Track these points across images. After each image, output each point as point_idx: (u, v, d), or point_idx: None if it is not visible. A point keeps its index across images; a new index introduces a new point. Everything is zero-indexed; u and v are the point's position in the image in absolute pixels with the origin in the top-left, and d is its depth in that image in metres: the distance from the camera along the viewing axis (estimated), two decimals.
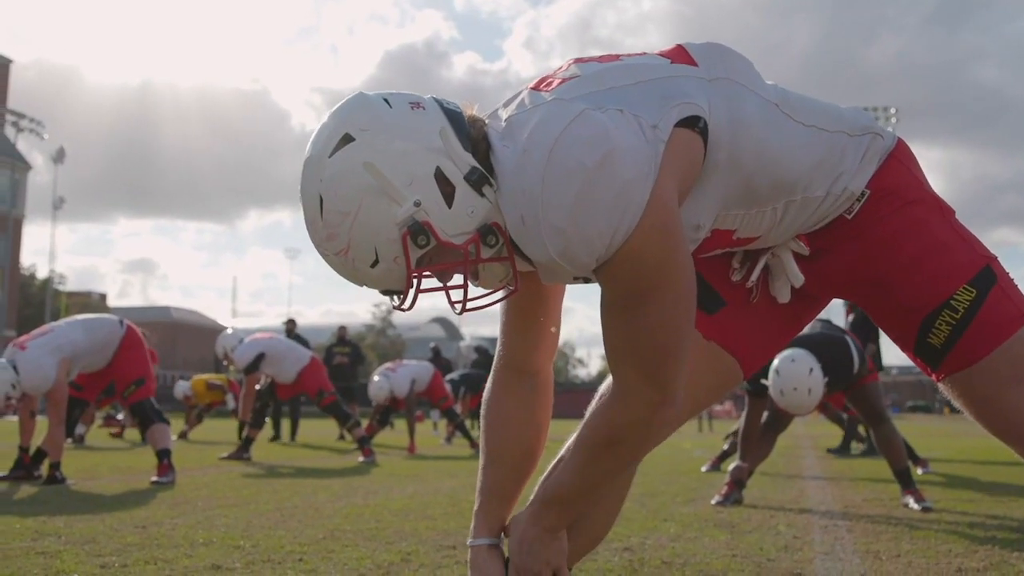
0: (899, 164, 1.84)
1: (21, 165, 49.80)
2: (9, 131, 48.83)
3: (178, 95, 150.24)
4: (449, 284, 1.61)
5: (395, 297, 1.62)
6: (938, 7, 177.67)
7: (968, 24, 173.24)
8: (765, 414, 5.57)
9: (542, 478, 1.89)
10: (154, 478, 5.87)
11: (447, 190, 1.53)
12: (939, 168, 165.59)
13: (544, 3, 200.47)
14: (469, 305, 1.63)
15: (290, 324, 13.03)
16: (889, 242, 1.80)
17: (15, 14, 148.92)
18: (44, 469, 5.95)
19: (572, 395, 25.29)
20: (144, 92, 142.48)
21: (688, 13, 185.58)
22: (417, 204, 1.51)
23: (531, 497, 1.88)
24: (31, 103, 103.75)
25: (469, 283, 1.60)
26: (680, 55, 1.75)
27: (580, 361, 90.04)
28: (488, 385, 1.95)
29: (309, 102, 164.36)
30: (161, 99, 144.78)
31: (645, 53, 1.78)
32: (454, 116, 1.59)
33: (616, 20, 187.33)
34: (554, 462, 1.90)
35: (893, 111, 49.68)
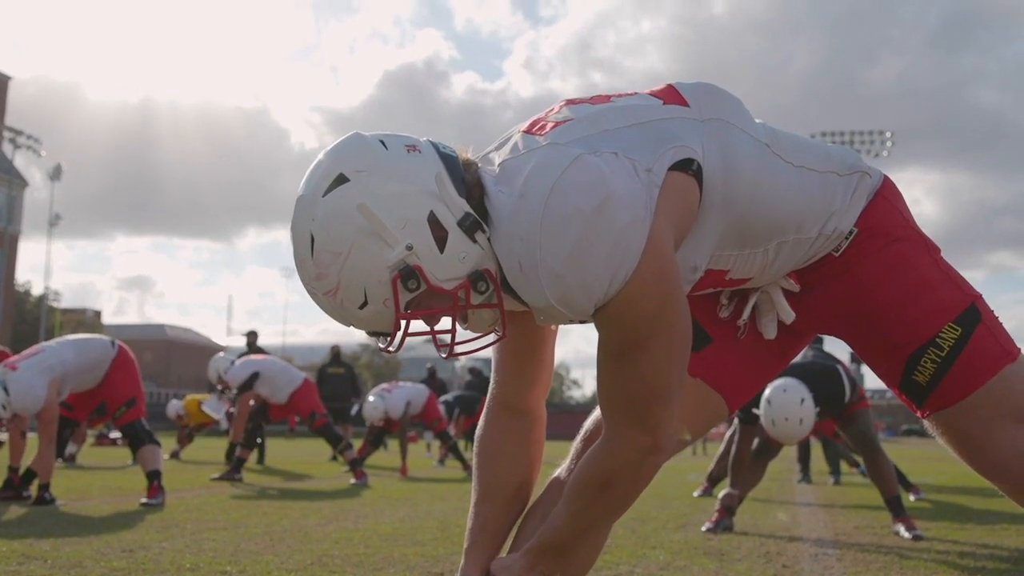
0: (886, 202, 1.86)
1: (18, 182, 49.82)
2: (6, 148, 48.86)
3: (177, 113, 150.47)
4: (437, 328, 1.61)
5: (382, 339, 1.62)
6: (940, 29, 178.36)
7: (969, 47, 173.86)
8: (756, 441, 5.58)
9: (525, 513, 1.89)
10: (144, 500, 5.84)
11: (440, 235, 1.53)
12: (937, 191, 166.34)
13: (544, 23, 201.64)
14: (456, 349, 1.64)
15: (251, 336, 12.95)
16: (876, 279, 1.81)
17: (16, 30, 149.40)
18: (33, 490, 5.92)
19: (567, 416, 25.19)
20: (143, 109, 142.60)
21: (688, 35, 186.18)
22: (409, 248, 1.51)
23: (515, 533, 1.88)
24: (31, 119, 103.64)
25: (458, 327, 1.61)
26: (671, 95, 1.76)
27: (575, 382, 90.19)
28: (481, 422, 1.94)
29: (308, 121, 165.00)
30: (160, 116, 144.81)
31: (636, 93, 1.79)
32: (450, 160, 1.59)
33: (616, 41, 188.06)
34: (540, 495, 1.90)
35: (889, 135, 49.99)
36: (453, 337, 1.61)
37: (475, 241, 1.56)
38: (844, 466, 10.40)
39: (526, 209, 1.52)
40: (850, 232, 1.82)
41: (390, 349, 1.61)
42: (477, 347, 1.69)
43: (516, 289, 1.57)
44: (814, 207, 1.77)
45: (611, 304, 1.54)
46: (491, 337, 1.69)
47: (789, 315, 1.90)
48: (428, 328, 1.61)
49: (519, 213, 1.53)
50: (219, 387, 9.77)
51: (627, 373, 1.59)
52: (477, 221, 1.56)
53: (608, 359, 1.62)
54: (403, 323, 1.56)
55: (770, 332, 1.93)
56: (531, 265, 1.52)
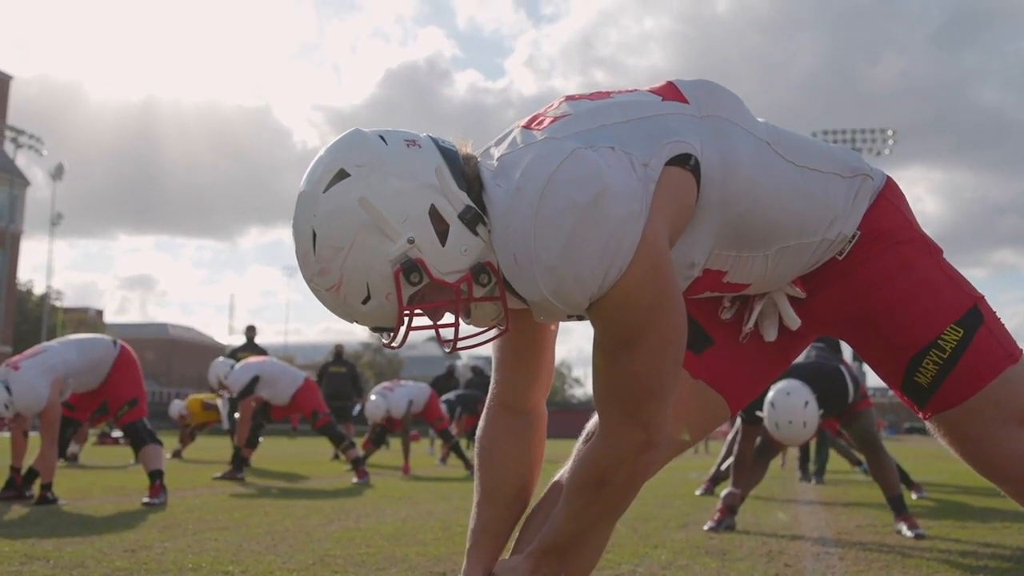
0: (889, 204, 1.84)
1: (20, 181, 49.84)
2: (8, 147, 48.88)
3: (180, 111, 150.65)
4: (440, 322, 1.60)
5: (385, 334, 1.62)
6: (942, 27, 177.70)
7: (971, 44, 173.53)
8: (758, 440, 5.58)
9: (528, 512, 1.89)
10: (146, 499, 5.85)
11: (441, 228, 1.53)
12: (940, 189, 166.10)
13: (546, 22, 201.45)
14: (460, 344, 1.63)
15: (250, 331, 12.93)
16: (878, 282, 1.80)
17: (18, 29, 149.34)
18: (36, 489, 5.93)
19: (568, 415, 25.21)
20: (146, 108, 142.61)
21: (690, 33, 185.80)
22: (411, 241, 1.51)
23: (518, 535, 1.87)
24: (33, 119, 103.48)
25: (460, 321, 1.60)
26: (671, 92, 1.75)
27: (577, 381, 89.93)
28: (481, 423, 1.94)
29: (311, 120, 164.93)
30: (163, 115, 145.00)
31: (636, 90, 1.78)
32: (449, 154, 1.59)
33: (618, 39, 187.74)
34: (542, 497, 1.90)
35: (891, 133, 49.97)
36: (456, 330, 1.60)
37: (476, 234, 1.55)
38: (846, 464, 10.40)
39: (522, 202, 1.52)
40: (853, 235, 1.81)
41: (393, 345, 1.61)
42: (479, 341, 1.68)
43: (512, 282, 1.57)
44: (816, 209, 1.76)
45: (605, 299, 1.53)
46: (493, 331, 1.69)
47: (795, 322, 1.89)
48: (431, 322, 1.61)
49: (515, 206, 1.52)
50: (221, 392, 9.76)
51: (621, 369, 1.59)
52: (478, 214, 1.56)
53: (602, 355, 1.61)
54: (406, 317, 1.55)
55: (770, 335, 1.92)
56: (526, 258, 1.51)
